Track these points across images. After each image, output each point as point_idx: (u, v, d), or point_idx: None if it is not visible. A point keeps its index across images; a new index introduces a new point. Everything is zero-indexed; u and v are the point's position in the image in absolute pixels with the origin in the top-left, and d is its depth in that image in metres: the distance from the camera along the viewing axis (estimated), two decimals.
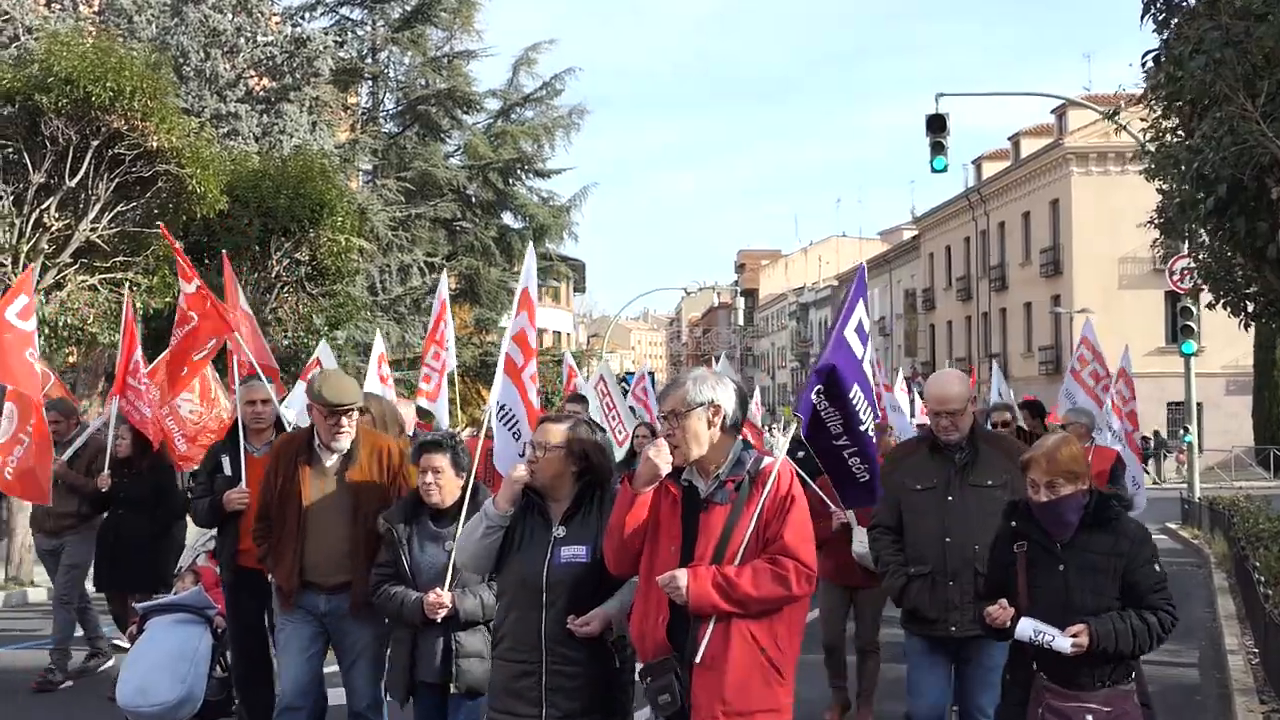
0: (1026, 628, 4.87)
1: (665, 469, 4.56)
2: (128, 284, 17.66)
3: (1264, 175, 8.53)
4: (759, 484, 4.55)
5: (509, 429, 7.18)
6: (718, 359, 23.96)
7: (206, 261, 20.82)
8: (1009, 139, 59.39)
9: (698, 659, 4.39)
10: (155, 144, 16.73)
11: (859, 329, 5.76)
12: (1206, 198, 8.87)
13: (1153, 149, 12.95)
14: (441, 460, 5.99)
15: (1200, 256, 16.24)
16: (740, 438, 4.72)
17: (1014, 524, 5.14)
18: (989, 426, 12.33)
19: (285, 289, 20.94)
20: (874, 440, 5.95)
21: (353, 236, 22.06)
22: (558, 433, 5.12)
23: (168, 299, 17.15)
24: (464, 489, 6.00)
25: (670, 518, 4.61)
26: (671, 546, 4.54)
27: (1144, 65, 9.75)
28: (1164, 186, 14.25)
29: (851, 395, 5.65)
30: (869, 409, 5.70)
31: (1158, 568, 4.98)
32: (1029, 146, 55.68)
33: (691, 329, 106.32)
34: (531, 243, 8.07)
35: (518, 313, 7.49)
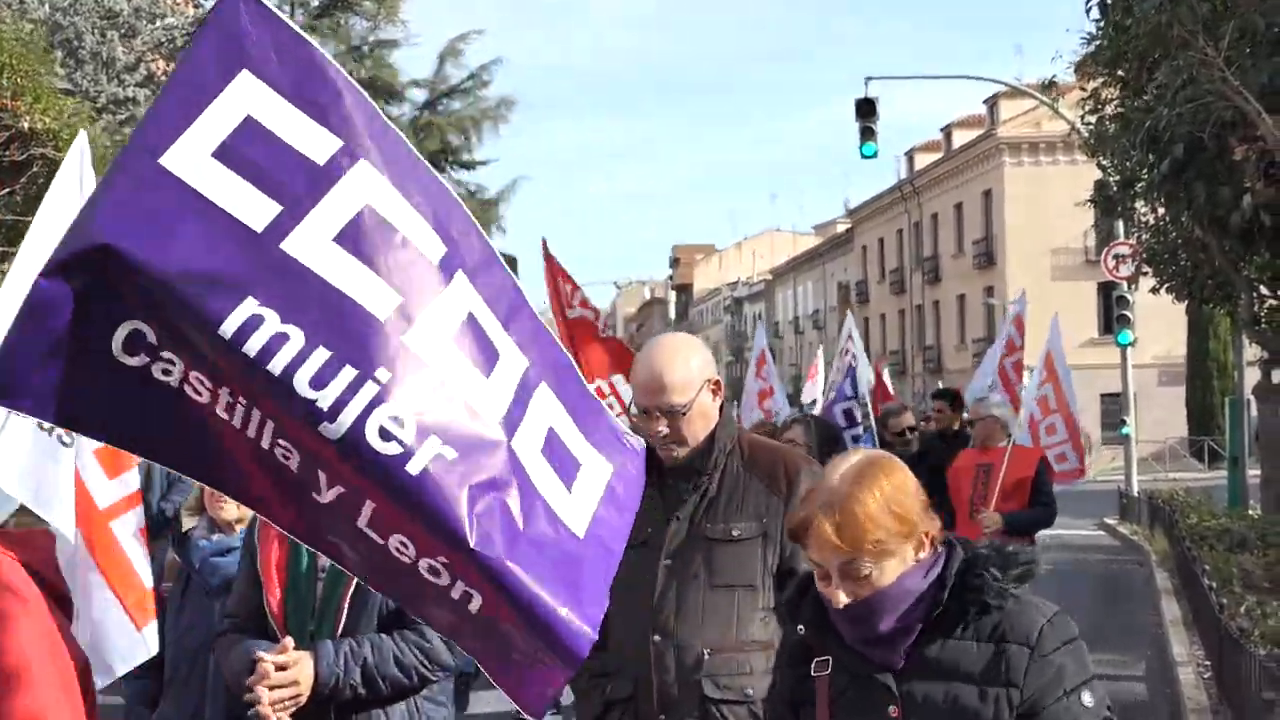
0: None
1: None
2: (4, 277, 16.50)
3: (1226, 133, 7.49)
4: None
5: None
6: None
7: None
8: (941, 130, 59.35)
9: None
10: (28, 125, 15.51)
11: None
12: (1160, 161, 7.85)
13: (1092, 121, 12.20)
14: None
15: (1142, 238, 15.55)
16: None
17: (802, 630, 2.67)
18: (888, 433, 9.14)
19: None
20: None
21: None
22: None
23: None
24: None
25: None
26: None
27: (1088, 12, 8.82)
28: (1104, 163, 13.52)
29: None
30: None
31: (1088, 699, 2.47)
32: (961, 137, 55.44)
33: (627, 324, 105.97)
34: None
35: None
